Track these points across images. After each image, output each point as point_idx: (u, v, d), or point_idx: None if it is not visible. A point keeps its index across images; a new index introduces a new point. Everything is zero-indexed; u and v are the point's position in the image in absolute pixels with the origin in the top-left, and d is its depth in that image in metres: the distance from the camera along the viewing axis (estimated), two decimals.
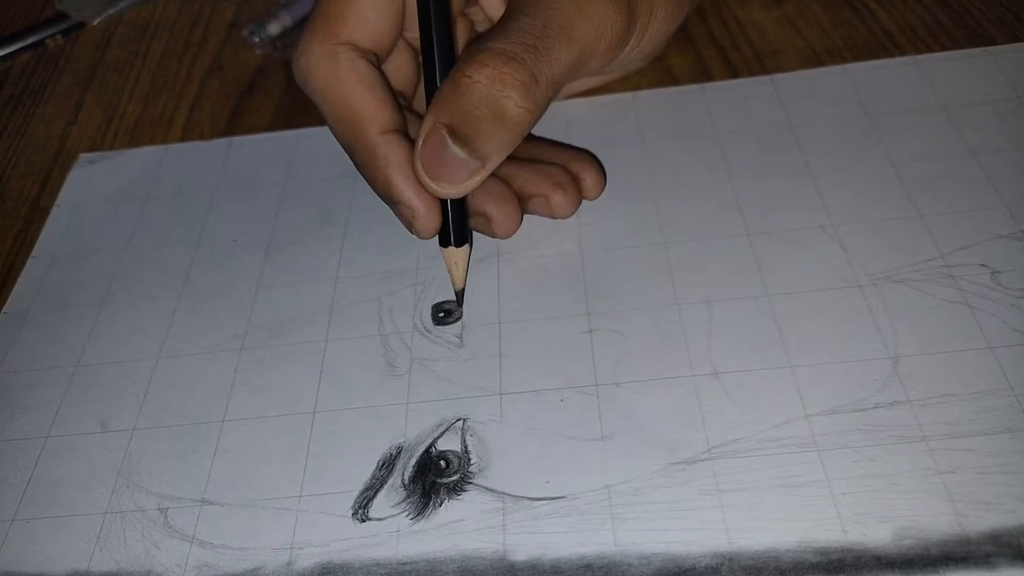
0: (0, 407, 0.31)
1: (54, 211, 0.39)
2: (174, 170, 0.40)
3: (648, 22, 0.31)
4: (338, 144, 0.32)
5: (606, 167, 0.36)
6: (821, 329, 0.29)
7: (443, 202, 0.30)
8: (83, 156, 0.41)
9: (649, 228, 0.33)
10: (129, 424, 0.30)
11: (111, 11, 0.50)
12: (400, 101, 0.32)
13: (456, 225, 0.30)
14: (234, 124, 0.42)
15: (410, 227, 0.30)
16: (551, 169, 0.34)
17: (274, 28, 0.46)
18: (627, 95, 0.39)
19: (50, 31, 0.49)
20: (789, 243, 0.32)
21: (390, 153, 0.30)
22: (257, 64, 0.46)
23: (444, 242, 0.31)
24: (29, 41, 0.49)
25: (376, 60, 0.31)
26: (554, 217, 0.34)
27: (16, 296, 0.35)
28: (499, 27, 0.28)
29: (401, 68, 0.33)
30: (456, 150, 0.28)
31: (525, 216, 0.34)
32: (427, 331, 0.31)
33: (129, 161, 0.41)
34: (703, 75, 0.40)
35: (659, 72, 0.40)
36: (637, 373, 0.29)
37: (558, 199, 0.33)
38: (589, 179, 0.34)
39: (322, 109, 0.31)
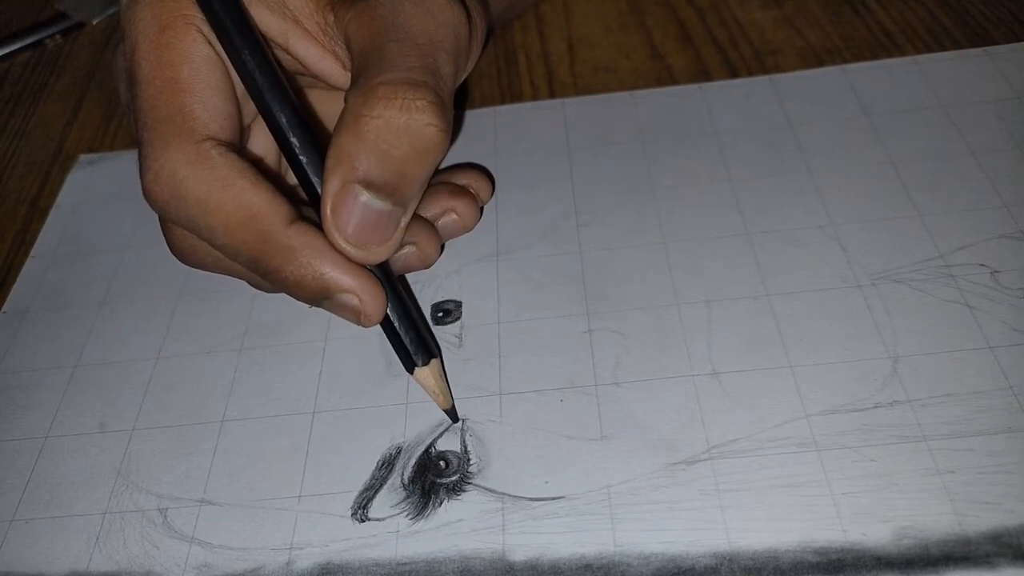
0: None
1: (53, 211, 0.39)
2: None
3: (479, 22, 0.30)
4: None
5: (606, 167, 0.36)
6: (821, 329, 0.29)
7: (387, 319, 0.27)
8: (83, 157, 0.41)
9: (649, 228, 0.33)
10: (128, 424, 0.30)
11: (111, 11, 0.50)
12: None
13: (413, 338, 0.27)
14: None
15: (357, 318, 0.26)
16: (438, 188, 0.32)
17: None
18: (626, 95, 0.39)
19: (50, 31, 0.49)
20: (789, 243, 0.32)
21: (309, 242, 0.25)
22: None
23: (409, 366, 0.28)
24: (29, 41, 0.49)
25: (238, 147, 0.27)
26: (465, 229, 0.32)
27: (15, 296, 0.35)
28: (373, 65, 0.26)
29: (258, 151, 0.30)
30: (378, 204, 0.25)
31: (520, 216, 0.35)
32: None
33: (128, 161, 0.41)
34: (702, 75, 0.40)
35: (659, 72, 0.40)
36: (637, 373, 0.29)
37: (462, 206, 0.31)
38: (475, 183, 0.33)
39: (204, 224, 0.26)
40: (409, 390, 0.30)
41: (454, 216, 0.31)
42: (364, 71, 0.26)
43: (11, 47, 0.49)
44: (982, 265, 0.30)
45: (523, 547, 0.25)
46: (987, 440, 0.26)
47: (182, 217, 0.26)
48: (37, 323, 0.34)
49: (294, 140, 0.26)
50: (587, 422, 0.28)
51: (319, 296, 0.26)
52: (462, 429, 0.28)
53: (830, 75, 0.38)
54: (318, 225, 0.26)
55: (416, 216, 0.29)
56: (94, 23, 0.50)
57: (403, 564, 0.25)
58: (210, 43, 0.27)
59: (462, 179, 0.33)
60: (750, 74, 0.39)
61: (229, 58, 0.27)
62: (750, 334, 0.29)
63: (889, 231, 0.32)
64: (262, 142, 0.30)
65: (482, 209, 0.34)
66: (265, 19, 0.28)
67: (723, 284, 0.31)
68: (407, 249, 0.29)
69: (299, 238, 0.25)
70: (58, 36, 0.50)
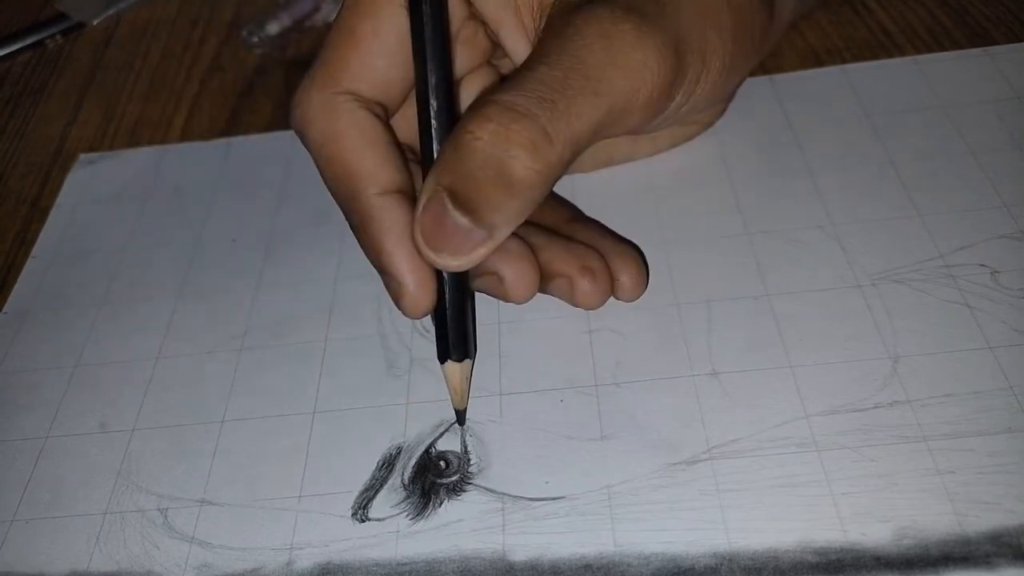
0: None
1: (54, 211, 0.39)
2: (173, 170, 0.40)
3: (701, 73, 0.28)
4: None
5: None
6: (821, 329, 0.29)
7: (440, 291, 0.27)
8: (83, 156, 0.41)
9: (649, 228, 0.33)
10: (128, 424, 0.30)
11: (111, 11, 0.50)
12: (411, 158, 0.29)
13: (457, 334, 0.27)
14: (233, 124, 0.42)
15: (397, 303, 0.27)
16: (583, 251, 0.29)
17: (273, 28, 0.46)
18: None
19: (50, 31, 0.49)
20: (789, 243, 0.32)
21: (386, 217, 0.26)
22: (256, 64, 0.46)
23: (442, 356, 0.27)
24: (29, 41, 0.49)
25: (383, 111, 0.28)
26: (576, 306, 0.29)
27: (15, 296, 0.35)
28: (514, 77, 0.25)
29: (413, 121, 0.28)
30: (458, 217, 0.24)
31: None
32: (426, 331, 0.31)
33: (128, 161, 0.41)
34: None
35: None
36: (637, 373, 0.29)
37: (584, 286, 0.29)
38: (626, 279, 0.29)
39: (317, 164, 0.28)
40: (410, 390, 0.30)
41: (570, 288, 0.29)
42: (504, 81, 0.25)
43: (11, 47, 0.49)
44: (982, 265, 0.30)
45: (523, 547, 0.25)
46: (987, 440, 0.26)
47: (307, 149, 0.28)
48: (37, 323, 0.34)
49: (435, 128, 0.26)
50: (587, 422, 0.28)
51: (375, 267, 0.27)
52: (462, 429, 0.28)
53: (830, 75, 0.38)
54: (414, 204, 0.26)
55: (522, 249, 0.28)
56: (94, 23, 0.50)
57: (403, 564, 0.25)
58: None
59: (616, 260, 0.30)
60: (750, 74, 0.39)
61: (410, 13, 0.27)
62: (750, 334, 0.29)
63: (889, 231, 0.32)
64: (409, 114, 0.29)
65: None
66: None
67: (723, 284, 0.31)
68: (488, 277, 0.28)
69: (380, 209, 0.26)
70: (58, 36, 0.50)
